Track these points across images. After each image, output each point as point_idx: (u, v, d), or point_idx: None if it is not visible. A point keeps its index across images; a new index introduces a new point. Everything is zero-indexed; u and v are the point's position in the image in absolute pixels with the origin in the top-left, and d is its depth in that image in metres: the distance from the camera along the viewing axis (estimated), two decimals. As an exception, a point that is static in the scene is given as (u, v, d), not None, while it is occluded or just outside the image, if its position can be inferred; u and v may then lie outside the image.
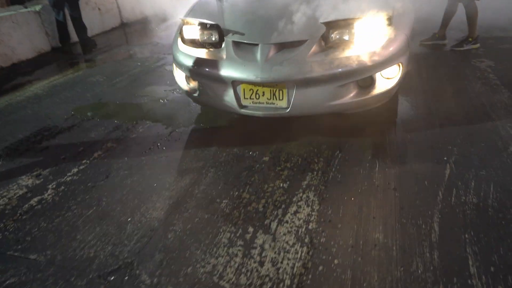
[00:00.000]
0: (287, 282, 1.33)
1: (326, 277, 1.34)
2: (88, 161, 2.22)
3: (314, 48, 2.03)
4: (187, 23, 2.37)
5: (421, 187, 1.78)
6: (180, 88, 2.60)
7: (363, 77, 2.04)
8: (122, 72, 3.79)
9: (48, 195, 1.92)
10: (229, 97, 2.16)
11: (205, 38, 2.29)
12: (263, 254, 1.45)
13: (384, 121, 2.42)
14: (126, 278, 1.40)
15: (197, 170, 2.05)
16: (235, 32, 2.21)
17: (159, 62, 4.03)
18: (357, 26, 1.99)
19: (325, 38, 2.05)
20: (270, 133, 2.38)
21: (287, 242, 1.50)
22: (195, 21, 2.29)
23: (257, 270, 1.38)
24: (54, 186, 1.99)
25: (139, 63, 4.04)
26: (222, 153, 2.20)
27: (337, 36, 2.04)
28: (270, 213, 1.68)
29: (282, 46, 2.07)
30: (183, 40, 2.43)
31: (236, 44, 2.17)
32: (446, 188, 1.76)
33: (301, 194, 1.78)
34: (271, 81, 2.00)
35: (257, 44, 2.10)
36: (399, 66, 2.12)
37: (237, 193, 1.83)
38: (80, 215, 1.75)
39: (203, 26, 2.27)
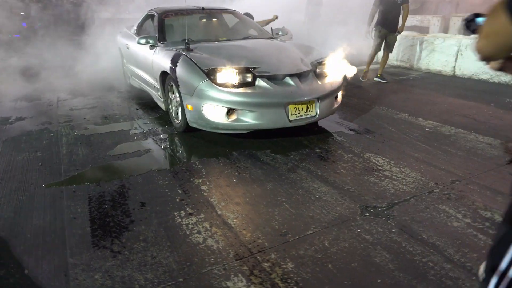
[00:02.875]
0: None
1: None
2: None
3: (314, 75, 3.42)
4: (220, 70, 3.10)
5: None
6: (210, 124, 3.16)
7: (338, 92, 3.61)
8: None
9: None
10: (280, 116, 3.14)
11: (242, 79, 3.13)
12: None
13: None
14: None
15: (279, 175, 2.88)
16: (261, 72, 3.21)
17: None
18: (328, 64, 3.57)
19: (314, 68, 3.47)
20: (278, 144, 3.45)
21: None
22: (236, 67, 3.09)
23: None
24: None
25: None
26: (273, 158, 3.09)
27: (319, 70, 3.52)
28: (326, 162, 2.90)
29: (300, 75, 3.30)
30: (217, 84, 3.09)
31: (268, 78, 3.18)
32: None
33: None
34: (309, 99, 3.20)
35: (283, 75, 3.22)
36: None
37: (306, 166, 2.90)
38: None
39: (241, 70, 3.10)
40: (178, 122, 3.66)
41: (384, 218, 2.19)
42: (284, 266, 1.82)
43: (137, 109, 4.63)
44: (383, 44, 5.73)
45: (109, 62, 6.95)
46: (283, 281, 1.73)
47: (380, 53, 6.03)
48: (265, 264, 1.84)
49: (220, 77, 3.11)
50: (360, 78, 5.92)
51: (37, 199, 2.50)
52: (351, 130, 3.72)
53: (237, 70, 3.12)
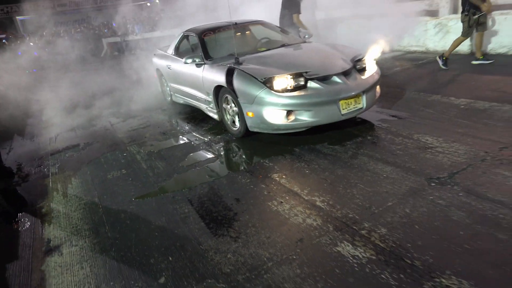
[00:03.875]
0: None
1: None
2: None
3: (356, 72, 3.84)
4: (276, 78, 3.55)
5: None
6: (272, 126, 3.61)
7: (377, 84, 4.02)
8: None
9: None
10: (333, 111, 3.57)
11: (296, 83, 3.57)
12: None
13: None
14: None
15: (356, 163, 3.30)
16: (311, 75, 3.64)
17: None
18: (367, 60, 3.99)
19: (354, 65, 3.90)
20: (324, 136, 3.87)
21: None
22: (290, 73, 3.53)
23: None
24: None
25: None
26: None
27: (358, 66, 3.94)
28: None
29: (345, 73, 3.73)
30: (275, 91, 3.53)
31: (318, 79, 3.61)
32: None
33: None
34: (357, 93, 3.62)
35: (331, 75, 3.65)
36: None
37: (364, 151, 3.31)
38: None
39: (295, 75, 3.55)
40: (236, 129, 4.12)
41: (449, 186, 2.58)
42: (378, 231, 2.24)
43: (188, 123, 5.11)
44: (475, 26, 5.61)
45: (139, 83, 7.49)
46: (382, 242, 2.14)
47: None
48: (362, 231, 2.26)
49: (276, 84, 3.56)
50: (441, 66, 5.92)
51: (146, 207, 2.98)
52: (393, 116, 4.12)
53: (291, 76, 3.56)
